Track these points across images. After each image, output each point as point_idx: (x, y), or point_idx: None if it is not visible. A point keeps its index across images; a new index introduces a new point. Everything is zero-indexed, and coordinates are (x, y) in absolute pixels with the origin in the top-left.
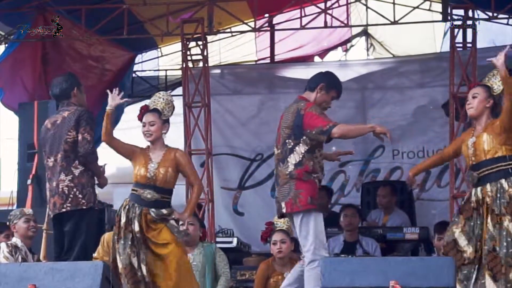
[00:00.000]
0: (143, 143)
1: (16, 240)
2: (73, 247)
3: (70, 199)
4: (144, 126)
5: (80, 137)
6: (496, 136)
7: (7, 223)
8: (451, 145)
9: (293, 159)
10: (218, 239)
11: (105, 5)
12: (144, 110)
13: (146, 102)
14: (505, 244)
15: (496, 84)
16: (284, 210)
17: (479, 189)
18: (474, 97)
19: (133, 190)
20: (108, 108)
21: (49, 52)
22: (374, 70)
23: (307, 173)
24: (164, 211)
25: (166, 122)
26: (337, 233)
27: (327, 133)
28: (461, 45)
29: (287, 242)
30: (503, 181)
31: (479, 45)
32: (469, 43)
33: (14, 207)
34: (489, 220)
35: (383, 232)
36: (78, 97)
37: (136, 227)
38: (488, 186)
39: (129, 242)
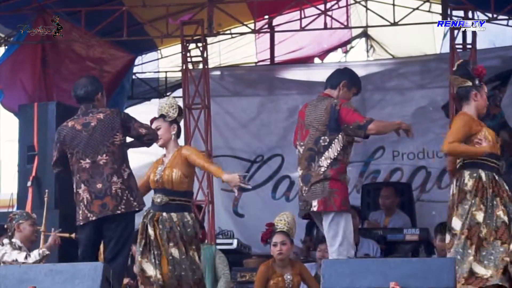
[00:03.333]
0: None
1: (16, 241)
2: (123, 249)
3: (124, 201)
4: None
5: (143, 131)
6: None
7: (6, 225)
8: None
9: (327, 157)
10: (218, 241)
11: (105, 6)
12: (152, 120)
13: (146, 104)
14: None
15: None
16: (315, 209)
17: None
18: None
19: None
20: None
21: (48, 54)
22: (374, 72)
23: (341, 173)
24: (175, 217)
25: (173, 123)
26: None
27: (364, 128)
28: (461, 46)
29: (288, 244)
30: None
31: (479, 46)
32: (468, 44)
33: (14, 209)
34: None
35: (384, 234)
36: (101, 101)
37: (151, 232)
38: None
39: (141, 249)
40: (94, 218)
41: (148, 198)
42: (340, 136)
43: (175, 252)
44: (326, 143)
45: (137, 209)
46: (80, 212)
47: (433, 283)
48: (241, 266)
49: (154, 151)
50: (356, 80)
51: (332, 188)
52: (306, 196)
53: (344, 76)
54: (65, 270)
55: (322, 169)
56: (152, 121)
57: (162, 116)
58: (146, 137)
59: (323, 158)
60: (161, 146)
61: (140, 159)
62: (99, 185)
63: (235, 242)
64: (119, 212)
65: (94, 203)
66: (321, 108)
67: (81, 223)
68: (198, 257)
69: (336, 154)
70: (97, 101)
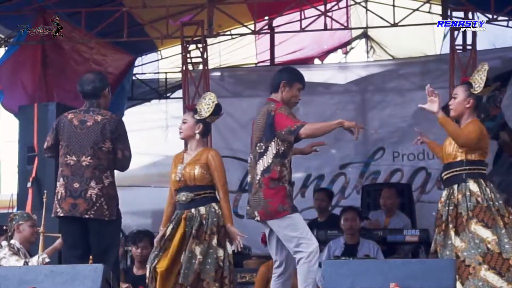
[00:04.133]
0: (144, 146)
1: (14, 241)
2: (107, 254)
3: (96, 207)
4: None
5: (120, 155)
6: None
7: (5, 226)
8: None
9: (261, 165)
10: None
11: (105, 7)
12: (186, 109)
13: (146, 105)
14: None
15: (478, 82)
16: (258, 219)
17: (445, 191)
18: (454, 98)
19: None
20: None
21: (49, 54)
22: (374, 72)
23: (274, 180)
24: (203, 210)
25: (200, 122)
26: (337, 236)
27: (295, 133)
28: (461, 47)
29: None
30: (455, 186)
31: (479, 47)
32: (469, 45)
33: (15, 210)
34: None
35: (384, 235)
36: (106, 98)
37: (170, 231)
38: (445, 190)
39: (155, 253)
40: (61, 215)
41: None
42: (273, 143)
43: (197, 249)
44: (261, 150)
45: (106, 219)
46: (54, 205)
47: (433, 284)
48: (241, 267)
49: (154, 152)
50: (295, 75)
51: (266, 198)
52: (250, 205)
53: (281, 76)
54: (65, 271)
55: (257, 178)
56: (187, 107)
57: (194, 110)
58: (121, 164)
59: (258, 166)
60: (182, 139)
61: (139, 160)
62: (76, 185)
63: None
64: (87, 216)
65: (67, 201)
66: (261, 114)
67: (52, 215)
68: (221, 246)
69: (270, 161)
70: (103, 97)
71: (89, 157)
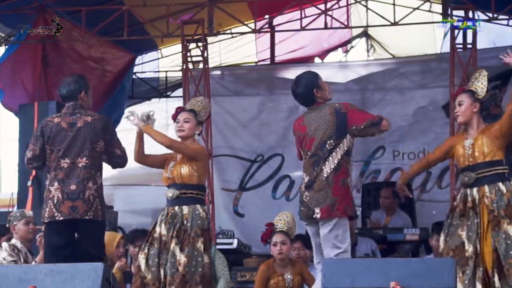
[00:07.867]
0: (144, 144)
1: (15, 241)
2: (94, 257)
3: (93, 208)
4: (178, 123)
5: (118, 151)
6: (494, 140)
7: (6, 225)
8: (438, 150)
9: (331, 162)
10: (218, 240)
11: (105, 6)
12: (180, 110)
13: (147, 103)
14: (504, 246)
15: (480, 87)
16: (318, 216)
17: (475, 189)
18: (460, 104)
19: None
20: (138, 128)
21: (49, 53)
22: (375, 71)
23: (343, 178)
24: (186, 209)
25: (200, 123)
26: None
27: (378, 124)
28: (461, 46)
29: (288, 244)
30: (500, 184)
31: (479, 46)
32: (469, 44)
33: (15, 208)
34: (488, 220)
35: (384, 233)
36: (84, 100)
37: (161, 231)
38: (486, 187)
39: (144, 244)
40: (61, 219)
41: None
42: (345, 140)
43: (177, 250)
44: (331, 147)
45: (100, 219)
46: (47, 209)
47: (434, 283)
48: (241, 265)
49: (154, 150)
50: (313, 75)
51: (335, 196)
52: (309, 202)
53: (307, 85)
54: (65, 270)
55: (325, 175)
56: (179, 109)
57: (193, 111)
58: (118, 160)
59: (326, 163)
60: (180, 137)
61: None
62: (73, 187)
63: (235, 241)
64: (87, 217)
65: (65, 204)
66: (324, 114)
67: (46, 221)
68: (206, 250)
69: (339, 158)
70: (80, 100)
71: (84, 158)
